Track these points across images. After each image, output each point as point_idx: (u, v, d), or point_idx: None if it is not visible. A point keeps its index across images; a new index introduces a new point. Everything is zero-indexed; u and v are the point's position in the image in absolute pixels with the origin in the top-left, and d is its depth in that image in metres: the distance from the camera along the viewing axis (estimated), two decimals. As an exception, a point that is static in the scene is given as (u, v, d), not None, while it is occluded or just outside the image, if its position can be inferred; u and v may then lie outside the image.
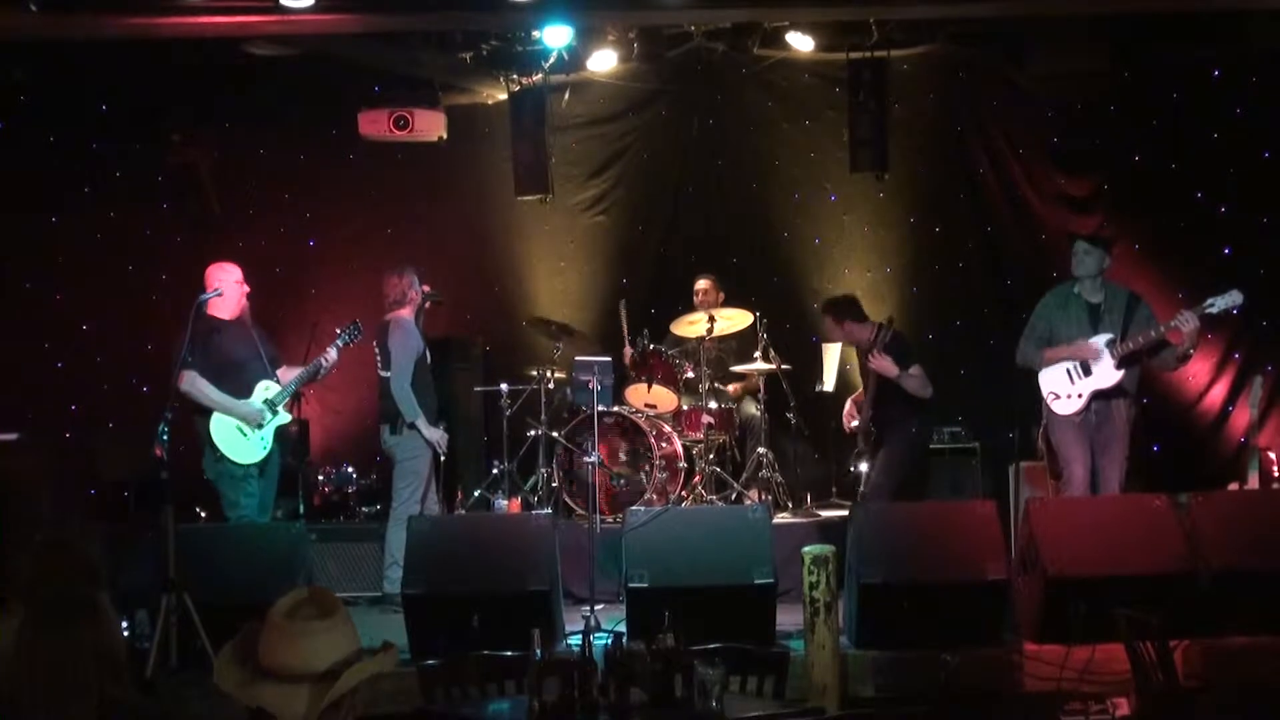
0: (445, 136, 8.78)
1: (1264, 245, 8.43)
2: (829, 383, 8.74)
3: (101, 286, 8.86)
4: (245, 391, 6.70)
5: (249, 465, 6.66)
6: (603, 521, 7.23)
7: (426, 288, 7.33)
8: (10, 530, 6.91)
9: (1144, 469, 7.35)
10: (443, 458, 7.23)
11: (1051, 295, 6.88)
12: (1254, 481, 7.36)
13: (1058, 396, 6.67)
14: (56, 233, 8.88)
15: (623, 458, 8.01)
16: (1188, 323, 6.35)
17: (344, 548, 7.53)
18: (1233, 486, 7.45)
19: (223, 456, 6.60)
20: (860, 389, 7.77)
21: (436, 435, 7.06)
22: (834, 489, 8.60)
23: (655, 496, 7.81)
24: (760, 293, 8.88)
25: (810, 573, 5.34)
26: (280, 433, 6.85)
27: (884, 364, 7.26)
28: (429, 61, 8.71)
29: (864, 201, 9.33)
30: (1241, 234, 8.51)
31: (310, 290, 9.17)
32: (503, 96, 9.17)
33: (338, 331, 7.01)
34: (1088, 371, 6.60)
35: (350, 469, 8.48)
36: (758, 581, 5.79)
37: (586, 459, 7.52)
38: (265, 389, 6.76)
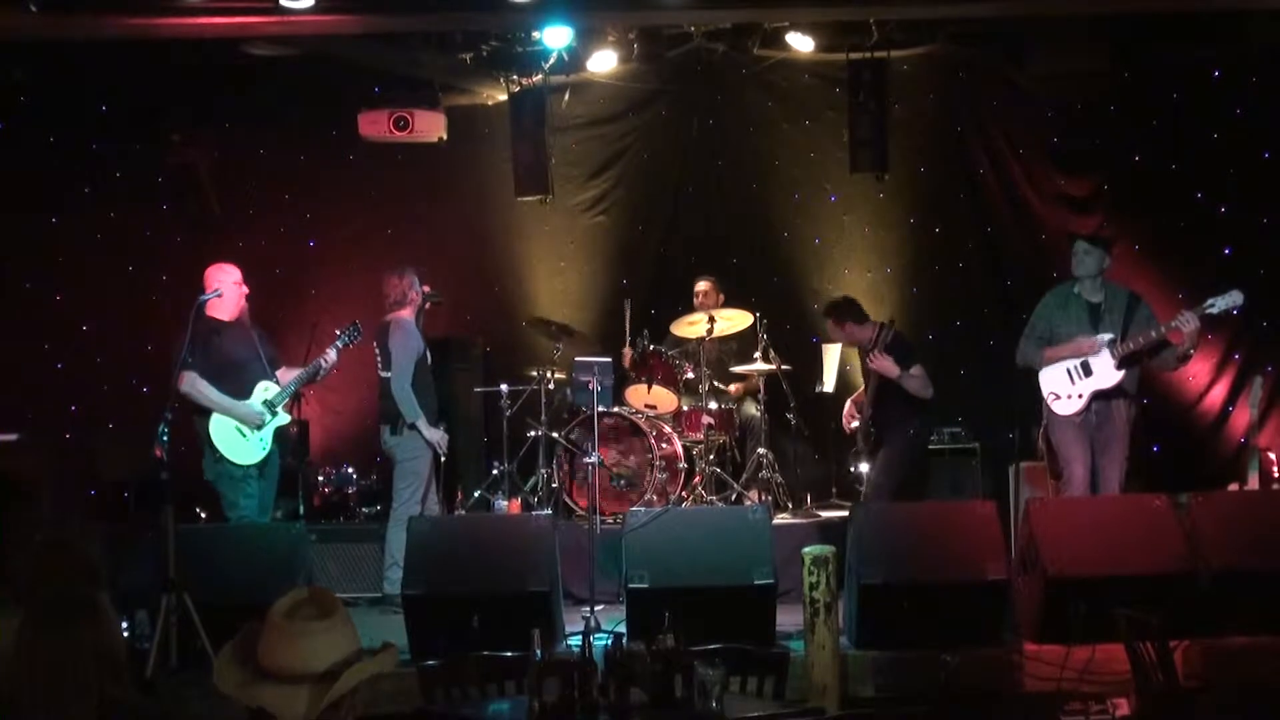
0: (445, 137, 8.78)
1: (1264, 245, 8.43)
2: (829, 383, 8.74)
3: (101, 286, 8.86)
4: (245, 392, 6.70)
5: (248, 466, 6.65)
6: (603, 522, 7.22)
7: (427, 288, 7.33)
8: (10, 530, 6.91)
9: (1144, 469, 7.35)
10: (443, 458, 7.23)
11: (1051, 295, 6.88)
12: (1254, 481, 7.37)
13: (1058, 397, 6.67)
14: (56, 233, 8.88)
15: (622, 458, 8.01)
16: (1188, 323, 6.35)
17: (344, 548, 7.53)
18: (1233, 486, 7.46)
19: (222, 457, 6.60)
20: (860, 389, 7.77)
21: (437, 436, 7.06)
22: (834, 489, 8.60)
23: (655, 497, 7.81)
24: (760, 293, 8.88)
25: (810, 573, 5.34)
26: (280, 433, 6.85)
27: (885, 364, 7.26)
28: (429, 62, 8.71)
29: (864, 202, 9.33)
30: (1241, 234, 8.51)
31: (310, 291, 9.17)
32: (503, 97, 9.17)
33: (337, 333, 7.01)
34: (1088, 371, 6.60)
35: (350, 469, 8.48)
36: (758, 582, 5.79)
37: (586, 459, 7.52)
38: (265, 390, 6.76)
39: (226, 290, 6.73)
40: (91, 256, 8.87)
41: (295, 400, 7.39)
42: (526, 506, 7.88)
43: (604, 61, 9.03)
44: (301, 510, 8.07)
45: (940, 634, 5.56)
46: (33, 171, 8.69)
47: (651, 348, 8.24)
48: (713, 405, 8.14)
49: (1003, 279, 9.15)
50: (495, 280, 9.55)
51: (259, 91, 8.72)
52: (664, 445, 7.99)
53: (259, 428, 6.68)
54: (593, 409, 7.36)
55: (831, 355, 8.77)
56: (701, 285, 8.73)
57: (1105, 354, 6.55)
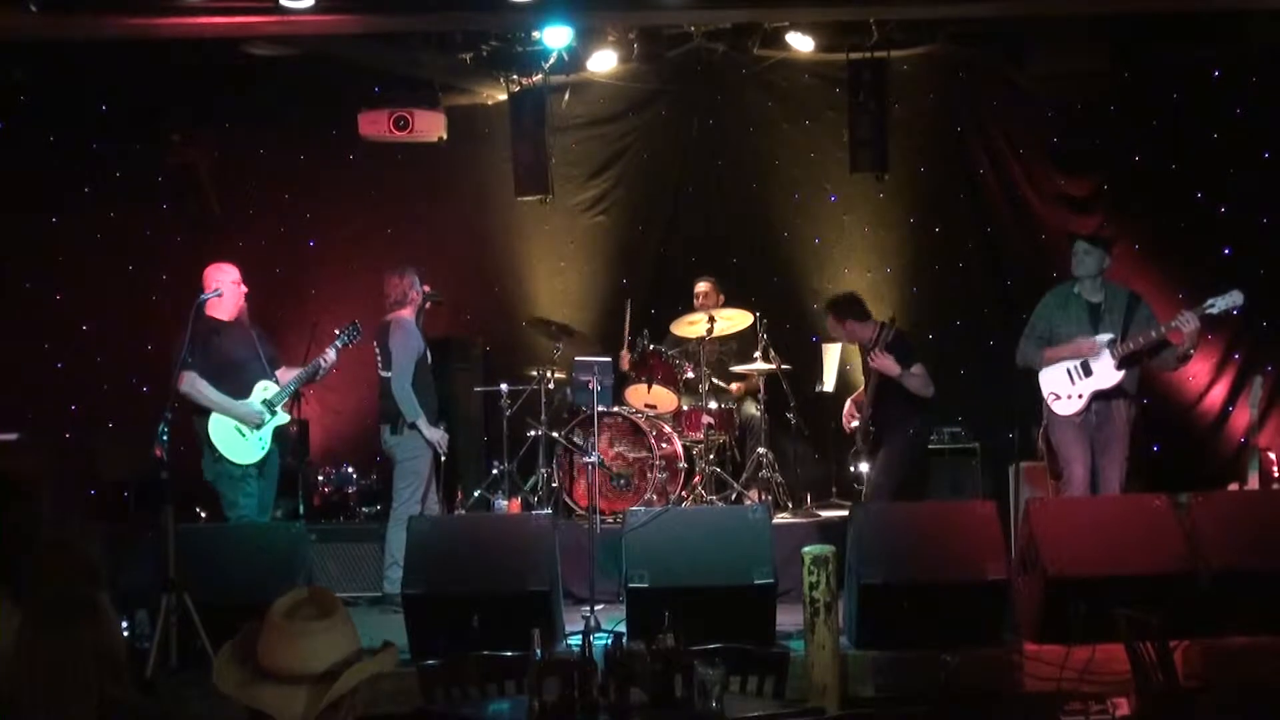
0: (445, 137, 8.78)
1: (1264, 245, 8.43)
2: (829, 383, 8.74)
3: (101, 286, 8.86)
4: (244, 392, 6.71)
5: (247, 465, 6.66)
6: (603, 521, 7.22)
7: (427, 288, 7.33)
8: (10, 530, 6.91)
9: (1144, 469, 7.35)
10: (443, 458, 7.23)
11: (1052, 295, 6.88)
12: (1254, 481, 7.36)
13: (1058, 397, 6.67)
14: (56, 233, 8.87)
15: (622, 457, 8.01)
16: (1188, 323, 6.35)
17: (344, 548, 7.53)
18: (1233, 486, 7.46)
19: (221, 457, 6.60)
20: (860, 389, 7.77)
21: (437, 435, 7.06)
22: (834, 489, 8.60)
23: (655, 496, 7.81)
24: (760, 293, 8.88)
25: (810, 573, 5.34)
26: (279, 433, 6.85)
27: (886, 363, 7.26)
28: (429, 62, 8.71)
29: (864, 201, 9.33)
30: (1241, 234, 8.51)
31: (310, 290, 9.17)
32: (503, 97, 9.17)
33: (336, 332, 7.01)
34: (1088, 372, 6.59)
35: (350, 469, 8.48)
36: (758, 581, 5.78)
37: (586, 459, 7.52)
38: (264, 389, 6.76)
39: (226, 290, 6.74)
40: (91, 256, 8.87)
41: (295, 400, 7.39)
42: (526, 506, 7.88)
43: (604, 61, 9.03)
44: (301, 510, 8.07)
45: (940, 634, 5.56)
46: (33, 171, 8.69)
47: (651, 347, 8.24)
48: (713, 405, 8.14)
49: (1003, 279, 9.15)
50: (495, 280, 9.55)
51: (259, 91, 8.72)
52: (664, 445, 7.99)
53: (258, 427, 6.68)
54: (593, 409, 7.36)
55: (831, 355, 8.77)
56: (702, 286, 8.73)
57: (1105, 354, 6.55)
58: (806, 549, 5.46)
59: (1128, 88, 8.70)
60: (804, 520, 7.94)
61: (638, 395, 8.19)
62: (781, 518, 7.84)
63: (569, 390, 8.18)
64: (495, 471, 8.12)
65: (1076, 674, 5.33)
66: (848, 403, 7.86)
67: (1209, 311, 6.39)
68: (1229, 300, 6.36)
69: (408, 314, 7.17)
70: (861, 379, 7.82)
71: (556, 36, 8.24)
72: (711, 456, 7.96)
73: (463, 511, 8.10)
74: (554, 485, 7.88)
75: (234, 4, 6.91)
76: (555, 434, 7.89)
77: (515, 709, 3.91)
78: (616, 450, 7.96)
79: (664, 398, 8.18)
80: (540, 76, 8.96)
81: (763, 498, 7.92)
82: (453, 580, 5.85)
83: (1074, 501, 6.44)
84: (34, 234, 8.78)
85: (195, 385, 6.54)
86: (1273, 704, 4.99)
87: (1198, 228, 8.60)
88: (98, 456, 8.34)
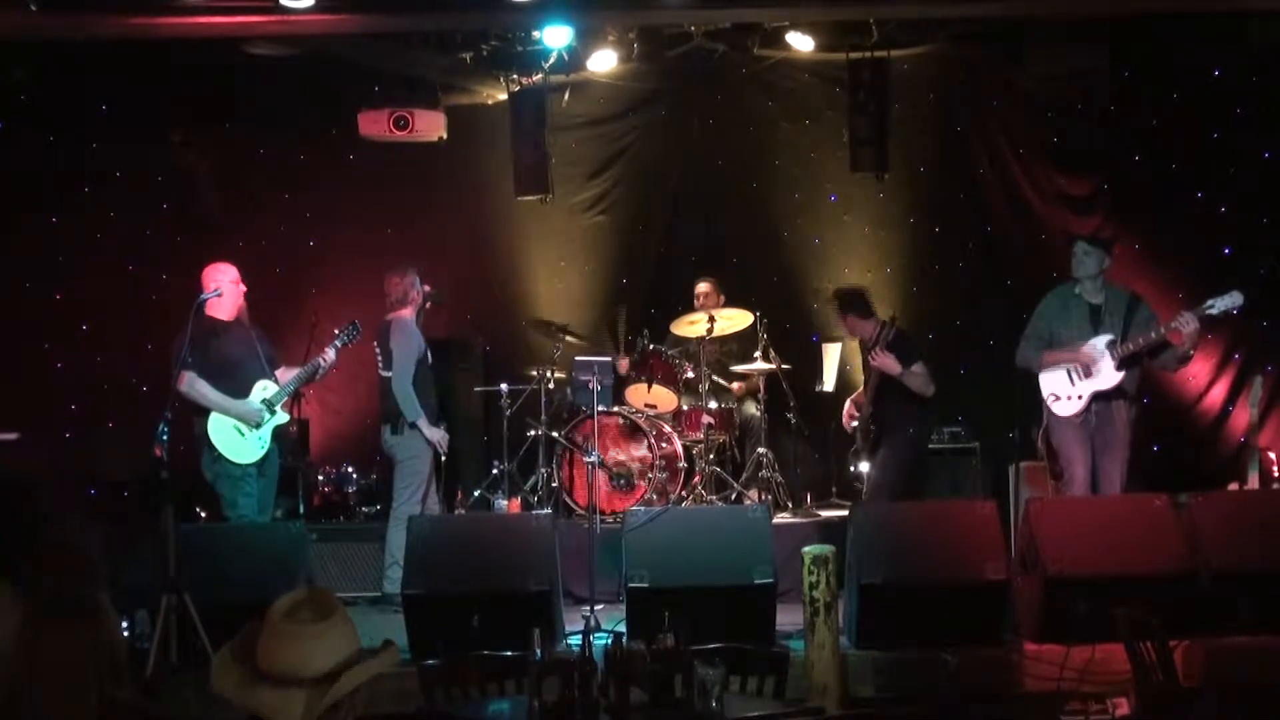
0: (445, 136, 8.78)
1: (1264, 245, 8.43)
2: (829, 383, 8.74)
3: (101, 286, 8.86)
4: (244, 391, 6.71)
5: (247, 465, 6.66)
6: (603, 521, 7.22)
7: (428, 288, 7.34)
8: (10, 530, 6.91)
9: (1144, 469, 7.35)
10: (444, 458, 7.23)
11: (1053, 296, 6.87)
12: (1254, 481, 7.37)
13: (1058, 398, 6.66)
14: (56, 233, 8.87)
15: (622, 458, 8.01)
16: (1188, 324, 6.34)
17: (344, 548, 7.54)
18: (1233, 486, 7.46)
19: (220, 456, 6.61)
20: (860, 389, 7.77)
21: (438, 435, 7.07)
22: (834, 489, 8.60)
23: (655, 496, 7.81)
24: (760, 293, 8.87)
25: (810, 573, 5.34)
26: (279, 433, 6.85)
27: (886, 361, 7.25)
28: (429, 61, 8.71)
29: (864, 201, 9.33)
30: (1241, 234, 8.51)
31: (310, 290, 9.16)
32: (503, 96, 9.17)
33: (336, 332, 7.02)
34: (1088, 373, 6.59)
35: (350, 469, 8.48)
36: (758, 581, 5.79)
37: (586, 459, 7.52)
38: (263, 389, 6.77)
39: (225, 289, 6.75)
40: (91, 256, 8.86)
41: (295, 400, 7.39)
42: (526, 506, 7.88)
43: (604, 61, 9.03)
44: (301, 510, 8.07)
45: (940, 634, 5.57)
46: (33, 171, 8.68)
47: (651, 347, 8.24)
48: (713, 405, 8.14)
49: (1003, 279, 9.15)
50: (495, 280, 9.55)
51: (259, 91, 8.71)
52: (664, 445, 7.99)
53: (257, 426, 6.68)
54: (593, 409, 7.36)
55: (831, 355, 8.77)
56: (702, 287, 8.73)
57: (1105, 356, 6.54)
58: (806, 549, 5.46)
59: (1128, 88, 8.70)
60: (804, 520, 7.94)
61: (638, 395, 8.19)
62: (781, 518, 7.84)
63: (569, 390, 8.18)
64: (495, 471, 8.12)
65: (1076, 674, 5.32)
66: (848, 402, 7.86)
67: (1208, 312, 6.39)
68: (1229, 301, 6.36)
69: (408, 314, 7.17)
70: (861, 379, 7.82)
71: (556, 36, 8.24)
72: (711, 456, 7.96)
73: (463, 511, 8.09)
74: (554, 485, 7.88)
75: (234, 4, 6.92)
76: (555, 434, 7.89)
77: (515, 709, 3.91)
78: (616, 458, 7.96)
79: (664, 398, 8.18)
80: (540, 76, 8.96)
81: (763, 498, 7.92)
82: (453, 580, 5.85)
83: (1074, 501, 6.44)
84: (34, 234, 8.78)
85: (195, 385, 6.55)
86: (1273, 704, 4.98)
87: (1198, 228, 8.59)
88: (98, 456, 8.34)
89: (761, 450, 8.11)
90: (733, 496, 7.98)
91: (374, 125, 8.60)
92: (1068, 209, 8.96)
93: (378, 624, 6.30)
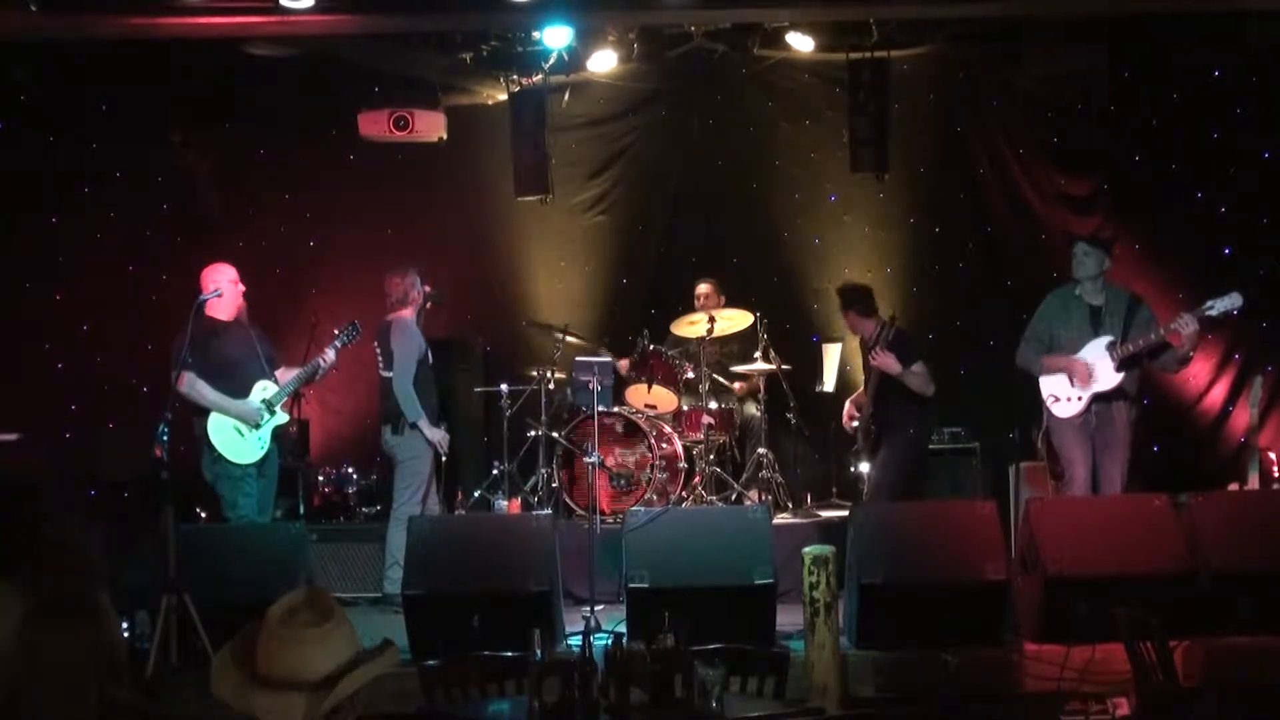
0: (445, 137, 8.78)
1: (1264, 245, 8.42)
2: (829, 383, 8.74)
3: (101, 286, 8.85)
4: (243, 392, 6.71)
5: (246, 465, 6.66)
6: (603, 521, 7.22)
7: (428, 288, 7.34)
8: (10, 530, 6.91)
9: (1144, 469, 7.35)
10: (444, 458, 7.23)
11: (1053, 297, 6.87)
12: (1254, 481, 7.37)
13: (1058, 399, 6.66)
14: (56, 233, 8.87)
15: (622, 458, 8.01)
16: (1187, 325, 6.34)
17: (344, 548, 7.54)
18: (1233, 486, 7.46)
19: (220, 457, 6.61)
20: (860, 389, 7.77)
21: (438, 435, 7.07)
22: (834, 489, 8.60)
23: (655, 497, 7.81)
24: (760, 293, 8.87)
25: (810, 573, 5.34)
26: (278, 433, 6.85)
27: (886, 361, 7.25)
28: (429, 62, 8.71)
29: (864, 201, 9.33)
30: (1241, 234, 8.51)
31: (310, 290, 9.16)
32: (503, 97, 9.17)
33: (335, 332, 7.02)
34: (1090, 372, 6.58)
35: (350, 469, 8.48)
36: (758, 581, 5.79)
37: (586, 459, 7.52)
38: (263, 389, 6.77)
39: (225, 289, 6.74)
40: (91, 256, 8.86)
41: (295, 400, 7.39)
42: (526, 506, 7.87)
43: (604, 61, 9.02)
44: (301, 510, 8.07)
45: (940, 634, 5.57)
46: (33, 171, 8.68)
47: (651, 348, 8.24)
48: (713, 405, 8.14)
49: (1003, 279, 9.15)
50: (495, 280, 9.55)
51: (259, 91, 8.71)
52: (664, 445, 7.99)
53: (256, 426, 6.68)
54: (593, 409, 7.36)
55: (831, 355, 8.77)
56: (703, 287, 8.72)
57: (1105, 357, 6.54)
58: (806, 549, 5.46)
59: (1127, 88, 8.70)
60: (804, 520, 7.94)
61: (638, 395, 8.19)
62: (781, 518, 7.84)
63: (569, 390, 8.18)
64: (495, 471, 8.12)
65: (1076, 674, 5.32)
66: (847, 403, 7.86)
67: (1208, 313, 6.38)
68: (1228, 302, 6.35)
69: (409, 314, 7.17)
70: (861, 379, 7.82)
71: (556, 36, 8.24)
72: (711, 457, 7.96)
73: (463, 511, 8.09)
74: (554, 485, 7.88)
75: (234, 4, 6.92)
76: (555, 434, 7.89)
77: (515, 709, 3.91)
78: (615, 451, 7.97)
79: (664, 398, 8.18)
80: (540, 76, 8.96)
81: (763, 498, 7.91)
82: (453, 580, 5.85)
83: (1074, 501, 6.43)
84: (34, 234, 8.78)
85: (195, 385, 6.55)
86: (1273, 704, 4.98)
87: (1198, 228, 8.59)
88: (98, 456, 8.34)
89: (761, 451, 8.11)
90: (733, 497, 7.97)
91: (374, 125, 8.60)
92: (1068, 209, 8.96)
93: (378, 624, 6.30)
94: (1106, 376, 6.53)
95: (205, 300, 6.63)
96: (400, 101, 8.59)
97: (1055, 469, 6.85)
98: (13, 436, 7.59)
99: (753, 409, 8.48)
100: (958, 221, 9.31)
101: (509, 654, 4.15)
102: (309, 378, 6.94)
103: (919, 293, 9.23)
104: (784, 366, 8.24)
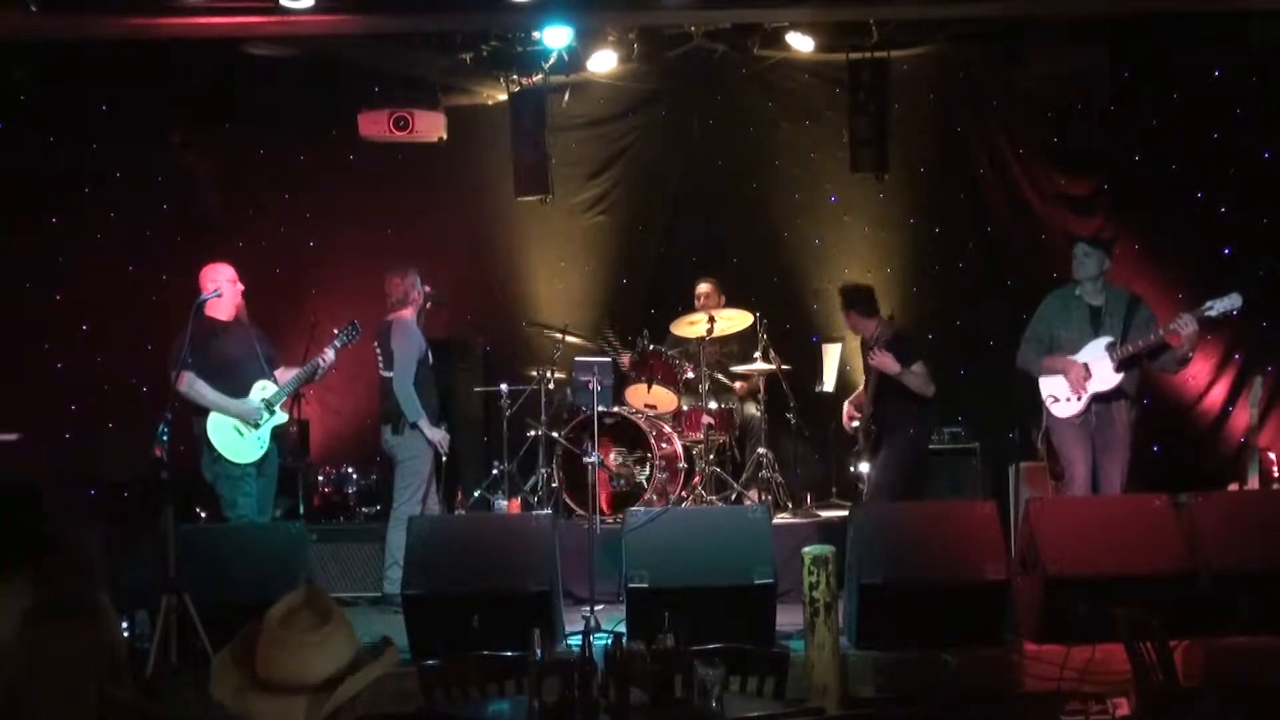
0: (445, 137, 8.78)
1: (1264, 245, 8.43)
2: (829, 383, 8.74)
3: (101, 286, 8.86)
4: (243, 391, 6.72)
5: (246, 465, 6.67)
6: (603, 521, 7.22)
7: (429, 288, 7.35)
8: (9, 530, 6.91)
9: (1144, 469, 7.35)
10: (444, 458, 7.23)
11: (1053, 298, 6.87)
12: (1254, 481, 7.37)
13: (1057, 399, 6.66)
14: (56, 233, 8.87)
15: (622, 458, 8.01)
16: (1186, 326, 6.33)
17: (344, 548, 7.54)
18: (1233, 486, 7.46)
19: (219, 456, 6.61)
20: (859, 389, 7.77)
21: (439, 435, 7.07)
22: (834, 489, 8.61)
23: (655, 497, 7.81)
24: (760, 293, 8.88)
25: (810, 573, 5.34)
26: (278, 432, 6.85)
27: (885, 360, 7.25)
28: (429, 62, 8.71)
29: (864, 201, 9.33)
30: (1241, 234, 8.51)
31: (310, 290, 9.16)
32: (503, 97, 9.17)
33: (335, 332, 7.02)
34: (1087, 374, 6.58)
35: (350, 469, 8.48)
36: (758, 581, 5.79)
37: (586, 459, 7.52)
38: (263, 389, 6.77)
39: (224, 289, 6.75)
40: (91, 256, 8.86)
41: (295, 400, 7.38)
42: (526, 506, 7.88)
43: (604, 61, 9.02)
44: (301, 510, 8.07)
45: (940, 634, 5.57)
46: (33, 171, 8.68)
47: (651, 347, 8.24)
48: (712, 405, 8.14)
49: (1003, 279, 9.15)
50: (495, 280, 9.55)
51: (259, 91, 8.71)
52: (664, 445, 7.99)
53: (256, 425, 6.68)
54: (593, 409, 7.36)
55: (831, 355, 8.77)
56: (703, 287, 8.72)
57: (1104, 358, 6.53)
58: (806, 549, 5.46)
59: (1128, 88, 8.70)
60: (804, 520, 7.94)
61: (638, 395, 8.19)
62: (781, 518, 7.84)
63: (569, 390, 8.18)
64: (495, 471, 8.12)
65: (1076, 674, 5.32)
66: (846, 403, 7.86)
67: (1208, 314, 6.37)
68: (1228, 302, 6.34)
69: (409, 314, 7.17)
70: (861, 379, 7.82)
71: (556, 36, 8.24)
72: (711, 456, 7.96)
73: (463, 511, 8.10)
74: (554, 485, 7.88)
75: (234, 4, 6.92)
76: (555, 434, 7.89)
77: (515, 709, 3.91)
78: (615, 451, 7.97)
79: (664, 398, 8.18)
80: (540, 76, 8.96)
81: (763, 498, 7.91)
82: (453, 580, 5.85)
83: (1074, 501, 6.43)
84: (34, 234, 8.78)
85: (194, 385, 6.56)
86: (1273, 704, 4.98)
87: (1198, 228, 8.59)
88: (98, 456, 8.34)
89: (761, 450, 8.11)
90: (733, 497, 7.97)
91: (374, 125, 8.60)
92: (1068, 209, 8.96)
93: (378, 624, 6.29)
94: (1106, 377, 6.53)
95: (205, 300, 6.63)
96: (400, 101, 8.60)
97: (1055, 469, 6.85)
98: (13, 436, 7.59)
99: (753, 409, 8.48)
100: (958, 221, 9.31)
101: (509, 654, 4.15)
102: (308, 377, 6.94)
103: (919, 293, 9.23)
104: (784, 366, 8.24)
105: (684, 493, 7.97)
